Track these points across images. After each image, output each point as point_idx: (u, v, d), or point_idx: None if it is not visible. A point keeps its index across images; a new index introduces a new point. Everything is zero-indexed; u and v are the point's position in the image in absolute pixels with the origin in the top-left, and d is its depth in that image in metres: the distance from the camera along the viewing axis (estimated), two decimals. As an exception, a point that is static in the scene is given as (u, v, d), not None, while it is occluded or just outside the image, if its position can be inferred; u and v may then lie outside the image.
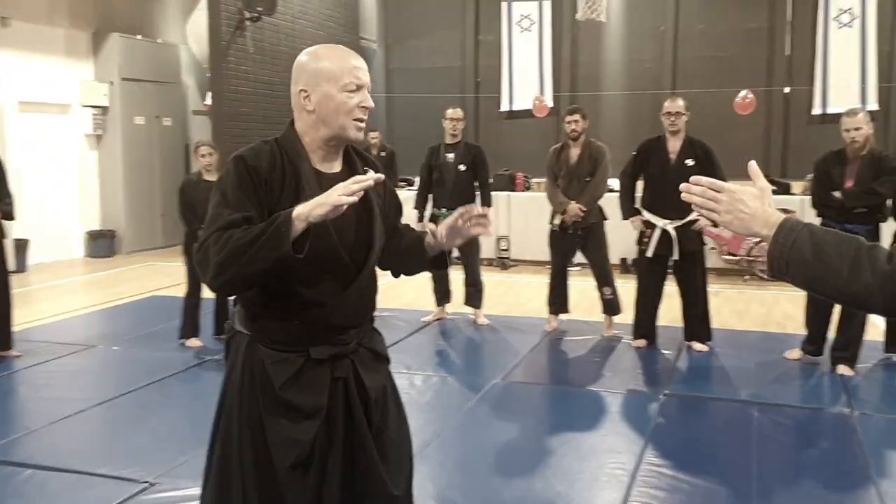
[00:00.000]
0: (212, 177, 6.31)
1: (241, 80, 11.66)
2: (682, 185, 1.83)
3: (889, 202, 5.52)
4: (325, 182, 2.21)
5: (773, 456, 4.19)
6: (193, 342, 6.38)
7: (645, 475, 3.95)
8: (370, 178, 2.06)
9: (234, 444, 2.27)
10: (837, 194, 5.48)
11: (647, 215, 6.15)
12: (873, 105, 12.85)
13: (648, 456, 4.18)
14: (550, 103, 13.26)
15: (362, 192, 2.05)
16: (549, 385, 5.51)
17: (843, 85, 13.03)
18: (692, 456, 4.22)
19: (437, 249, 2.40)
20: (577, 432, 4.57)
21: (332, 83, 2.20)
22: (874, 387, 5.36)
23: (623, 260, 9.60)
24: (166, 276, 9.79)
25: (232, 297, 2.44)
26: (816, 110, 13.26)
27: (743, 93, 11.01)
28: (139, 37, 11.83)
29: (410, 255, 2.44)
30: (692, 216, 6.06)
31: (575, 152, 6.58)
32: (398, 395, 2.48)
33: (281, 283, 2.18)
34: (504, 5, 14.05)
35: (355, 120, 2.22)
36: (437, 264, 2.46)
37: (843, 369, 5.55)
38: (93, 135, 11.55)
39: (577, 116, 6.52)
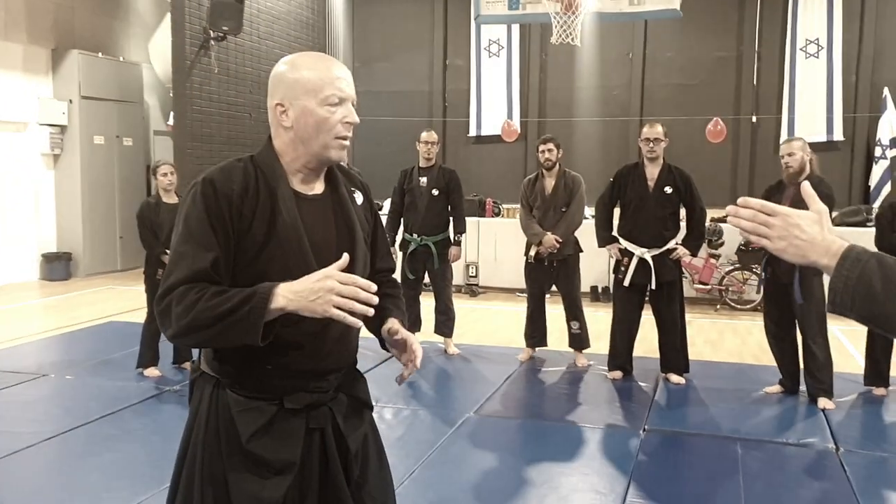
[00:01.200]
0: (170, 199, 6.06)
1: (204, 101, 11.38)
2: (730, 208, 1.62)
3: None
4: (305, 206, 2.00)
5: (761, 496, 4.04)
6: (152, 371, 6.09)
7: (630, 517, 3.77)
8: (370, 298, 1.82)
9: (196, 500, 2.01)
10: None
11: (624, 243, 6.01)
12: (839, 135, 12.96)
13: (632, 496, 4.00)
14: (519, 129, 13.19)
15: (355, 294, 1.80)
16: (525, 419, 5.31)
17: (810, 114, 13.13)
18: (678, 496, 4.05)
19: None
20: (556, 470, 4.37)
21: (312, 96, 1.98)
22: (856, 421, 5.23)
23: (594, 288, 9.49)
24: (125, 301, 9.47)
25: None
26: (783, 139, 13.30)
27: (713, 120, 10.99)
28: (100, 54, 11.52)
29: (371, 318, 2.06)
30: (670, 245, 5.95)
31: (550, 182, 6.43)
32: (381, 444, 2.23)
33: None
34: (473, 30, 13.98)
35: (338, 138, 2.00)
36: (383, 346, 2.20)
37: (823, 402, 5.44)
38: (50, 154, 11.20)
39: (551, 145, 6.37)
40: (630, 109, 13.83)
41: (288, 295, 1.81)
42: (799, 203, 5.09)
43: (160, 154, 12.56)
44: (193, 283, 1.87)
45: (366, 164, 11.85)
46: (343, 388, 2.12)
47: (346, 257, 1.84)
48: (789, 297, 5.45)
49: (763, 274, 5.63)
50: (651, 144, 5.88)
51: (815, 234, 1.46)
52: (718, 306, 9.17)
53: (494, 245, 10.11)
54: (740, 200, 1.63)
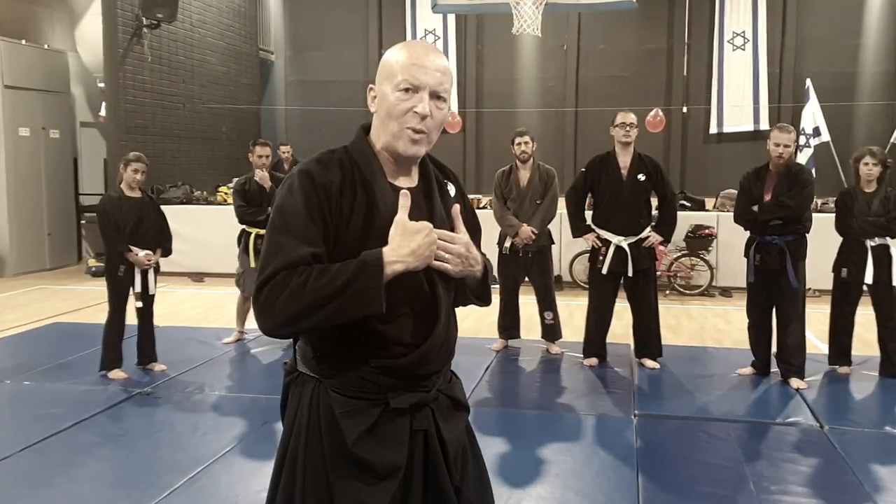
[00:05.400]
0: (133, 193, 5.80)
1: (138, 91, 11.00)
2: None
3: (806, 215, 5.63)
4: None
5: (766, 474, 4.13)
6: (117, 374, 5.83)
7: (648, 502, 3.80)
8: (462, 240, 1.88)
9: None
10: (755, 208, 5.59)
11: (600, 232, 6.06)
12: (765, 125, 13.40)
13: (645, 482, 4.03)
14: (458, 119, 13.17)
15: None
16: (518, 409, 5.29)
17: (737, 105, 13.54)
18: (688, 479, 4.10)
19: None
20: (560, 459, 4.36)
21: (389, 80, 1.88)
22: (831, 400, 5.41)
23: (558, 277, 9.54)
24: (61, 301, 9.05)
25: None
26: (713, 129, 13.73)
27: (654, 111, 11.20)
28: (24, 41, 10.94)
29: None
30: (644, 233, 6.03)
31: (525, 174, 6.42)
32: (478, 447, 2.13)
33: (355, 319, 1.85)
34: (408, 19, 13.89)
35: (407, 129, 1.87)
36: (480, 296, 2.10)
37: (795, 382, 5.61)
38: (-29, 147, 10.58)
39: (527, 138, 6.37)
40: (566, 101, 13.99)
41: (397, 258, 1.77)
42: (781, 191, 5.23)
43: (87, 147, 12.06)
44: (289, 270, 1.77)
45: (303, 154, 11.60)
46: (442, 389, 2.02)
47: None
48: (775, 283, 5.59)
49: (753, 260, 5.65)
50: (627, 128, 5.93)
51: None
52: (668, 292, 9.35)
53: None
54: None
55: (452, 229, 1.93)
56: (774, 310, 5.72)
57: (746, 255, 5.79)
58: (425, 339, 1.91)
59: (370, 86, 1.95)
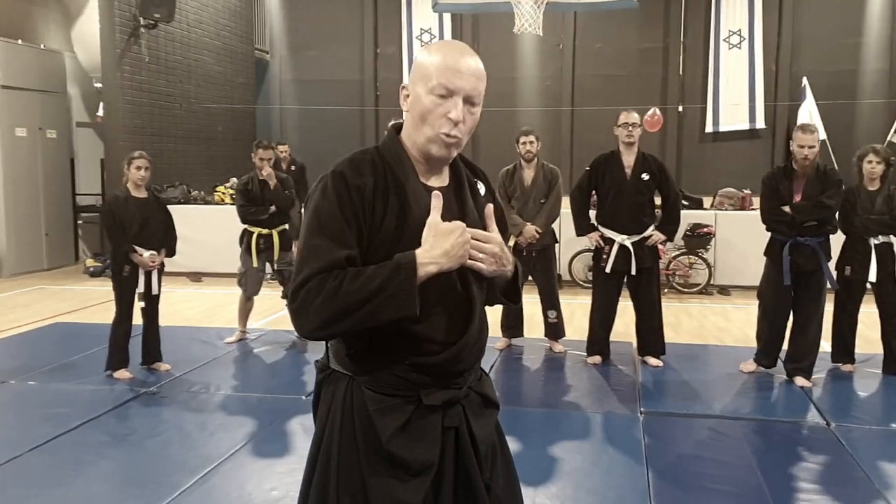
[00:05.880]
0: (140, 193, 5.80)
1: (135, 91, 10.97)
2: None
3: (836, 215, 5.67)
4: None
5: (776, 472, 4.15)
6: (123, 373, 5.83)
7: (660, 500, 3.82)
8: (496, 240, 1.87)
9: None
10: (787, 209, 5.56)
11: (604, 231, 6.08)
12: (761, 123, 13.44)
13: (656, 480, 4.05)
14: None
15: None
16: (526, 408, 5.30)
17: (733, 103, 13.58)
18: (699, 477, 4.12)
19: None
20: (570, 457, 4.37)
21: (424, 83, 1.87)
22: (836, 398, 5.44)
23: (557, 276, 9.56)
24: (61, 301, 9.03)
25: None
26: (709, 128, 13.77)
27: (652, 110, 11.23)
28: (20, 41, 10.90)
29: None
30: (648, 231, 6.05)
31: (529, 174, 6.44)
32: (507, 447, 2.14)
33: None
34: (404, 18, 13.90)
35: (441, 134, 1.86)
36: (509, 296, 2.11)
37: (801, 381, 5.63)
38: (-33, 147, 10.54)
39: (532, 137, 6.39)
40: (562, 100, 14.02)
41: (430, 259, 1.77)
42: (813, 192, 5.22)
43: (84, 147, 12.04)
44: (324, 274, 1.77)
45: (299, 154, 11.58)
46: (473, 386, 2.03)
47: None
48: (802, 284, 5.59)
49: (787, 262, 5.55)
50: (630, 128, 5.95)
51: None
52: (666, 290, 9.37)
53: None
54: None
55: (485, 229, 1.93)
56: (794, 310, 5.71)
57: (772, 256, 5.71)
58: (459, 337, 1.92)
59: (403, 85, 1.95)
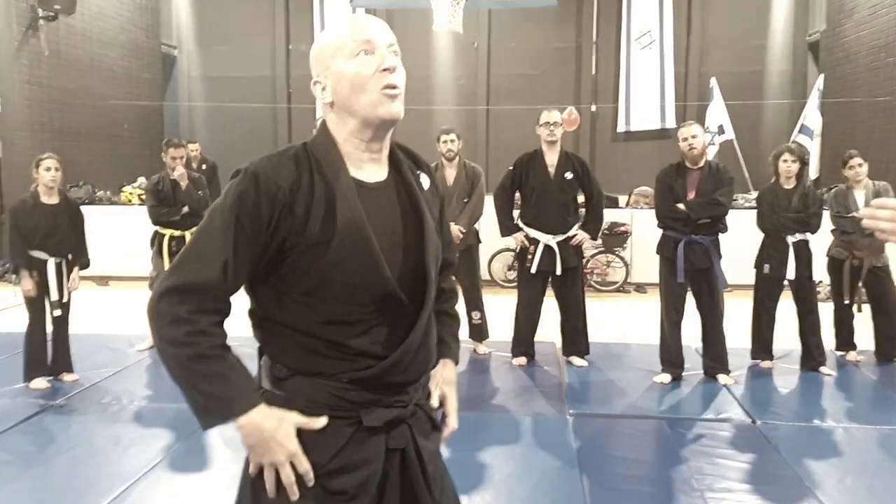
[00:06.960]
0: (51, 198, 5.48)
1: (35, 87, 10.43)
2: (865, 212, 1.62)
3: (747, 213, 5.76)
4: (369, 197, 1.75)
5: (707, 471, 4.16)
6: (39, 383, 5.51)
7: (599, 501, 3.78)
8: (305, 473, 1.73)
9: None
10: (682, 206, 5.62)
11: (529, 231, 6.03)
12: (671, 123, 13.70)
13: (589, 482, 4.01)
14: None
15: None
16: (453, 412, 5.20)
17: (645, 103, 13.81)
18: (632, 479, 4.10)
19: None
20: (500, 461, 4.29)
21: (341, 55, 1.74)
22: (759, 394, 5.50)
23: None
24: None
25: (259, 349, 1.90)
26: (621, 127, 13.97)
27: (568, 109, 11.30)
28: None
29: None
30: (572, 231, 6.04)
31: (451, 172, 6.34)
32: (447, 470, 2.02)
33: (322, 333, 1.73)
34: (316, 14, 13.65)
35: (384, 88, 1.72)
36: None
37: (723, 379, 5.70)
38: None
39: (452, 136, 6.29)
40: (477, 98, 14.00)
41: (250, 425, 1.68)
42: (706, 189, 5.24)
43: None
44: (190, 296, 1.67)
45: (210, 152, 11.22)
46: (420, 403, 1.90)
47: None
48: (698, 282, 5.65)
49: (682, 260, 5.59)
50: (552, 128, 5.93)
51: None
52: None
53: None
54: (875, 202, 1.65)
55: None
56: (697, 308, 5.77)
57: (665, 254, 5.76)
58: (399, 350, 1.78)
59: (314, 81, 1.80)
